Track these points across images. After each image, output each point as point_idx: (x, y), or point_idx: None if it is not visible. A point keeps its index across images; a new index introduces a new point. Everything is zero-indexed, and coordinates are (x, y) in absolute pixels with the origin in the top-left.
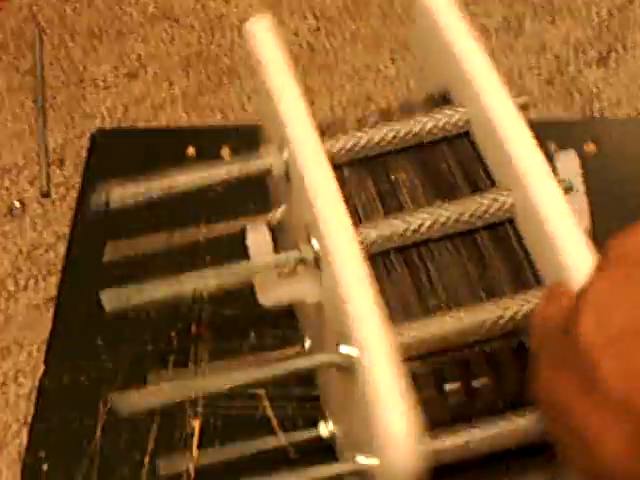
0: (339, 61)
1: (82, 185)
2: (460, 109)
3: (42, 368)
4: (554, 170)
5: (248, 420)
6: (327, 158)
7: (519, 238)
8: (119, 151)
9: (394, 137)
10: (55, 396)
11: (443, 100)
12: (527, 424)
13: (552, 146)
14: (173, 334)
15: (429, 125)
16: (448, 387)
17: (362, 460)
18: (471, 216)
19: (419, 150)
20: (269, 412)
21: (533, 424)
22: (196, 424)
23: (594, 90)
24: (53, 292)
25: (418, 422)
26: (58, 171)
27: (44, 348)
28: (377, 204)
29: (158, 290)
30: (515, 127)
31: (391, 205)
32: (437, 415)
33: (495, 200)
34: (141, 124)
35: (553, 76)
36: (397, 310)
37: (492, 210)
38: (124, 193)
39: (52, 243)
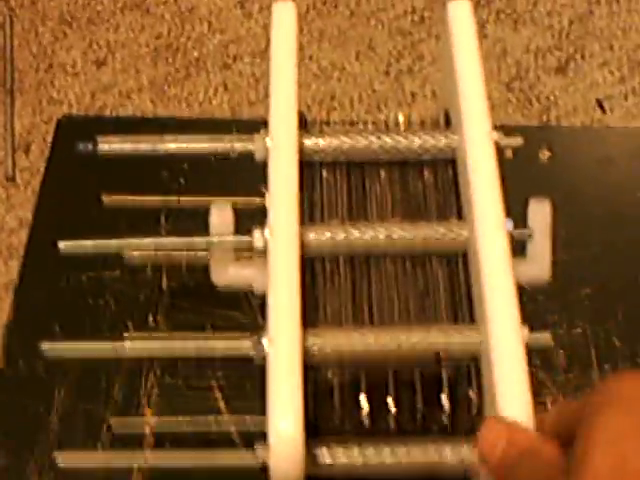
0: (305, 59)
1: (47, 171)
2: (450, 135)
3: None
4: (525, 216)
5: (200, 412)
6: (297, 154)
7: (467, 274)
8: (85, 138)
9: (380, 148)
10: (11, 382)
11: (446, 122)
12: (433, 455)
13: (508, 152)
14: (130, 324)
15: (416, 144)
16: (360, 401)
17: (259, 453)
18: (424, 241)
19: (402, 167)
20: (221, 404)
21: (437, 456)
22: (149, 413)
23: (551, 98)
24: (13, 277)
25: (302, 427)
26: (24, 156)
27: (2, 333)
28: (343, 210)
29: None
30: (483, 170)
31: (356, 214)
32: (343, 426)
33: (450, 231)
34: (108, 112)
35: (513, 82)
36: (328, 315)
37: (445, 240)
38: (112, 144)
39: (15, 228)
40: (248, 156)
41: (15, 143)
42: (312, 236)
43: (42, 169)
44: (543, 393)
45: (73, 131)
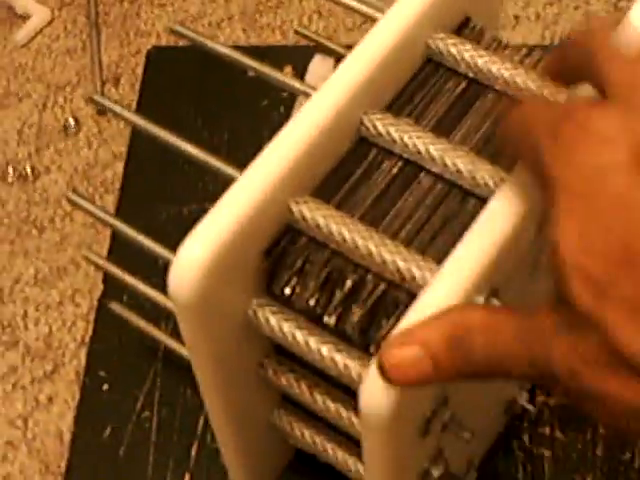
0: None
1: (138, 103)
2: None
3: (100, 287)
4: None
5: None
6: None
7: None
8: (176, 69)
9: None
10: (115, 316)
11: None
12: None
13: None
14: None
15: (487, 66)
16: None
17: None
18: (457, 173)
19: (471, 85)
20: None
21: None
22: None
23: None
24: (110, 210)
25: (212, 255)
26: (113, 89)
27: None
28: (403, 110)
29: None
30: None
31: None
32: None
33: (477, 172)
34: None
35: (621, 0)
36: (345, 199)
37: (472, 179)
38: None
39: (109, 161)
40: None
41: (103, 76)
42: (374, 122)
43: (132, 102)
44: None
45: (163, 62)
